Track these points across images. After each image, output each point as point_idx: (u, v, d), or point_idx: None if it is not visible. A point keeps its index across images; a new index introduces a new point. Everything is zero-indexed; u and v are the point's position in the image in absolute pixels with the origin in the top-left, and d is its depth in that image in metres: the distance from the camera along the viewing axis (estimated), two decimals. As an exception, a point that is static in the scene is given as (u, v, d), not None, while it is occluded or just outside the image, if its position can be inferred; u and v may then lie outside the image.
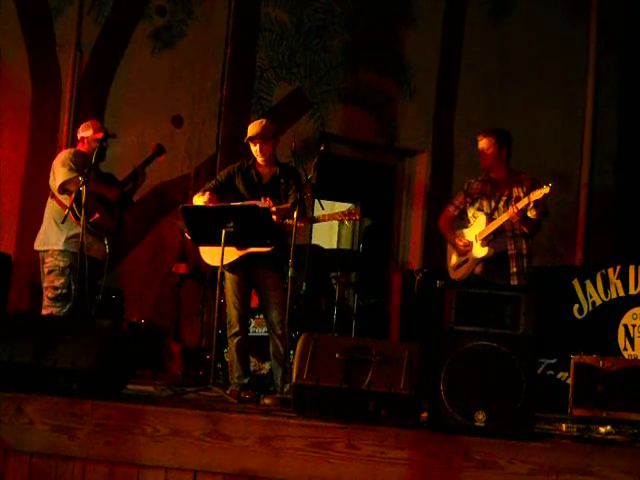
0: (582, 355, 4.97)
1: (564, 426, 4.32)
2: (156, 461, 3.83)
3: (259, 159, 5.53)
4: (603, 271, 6.29)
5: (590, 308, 6.32)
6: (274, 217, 5.25)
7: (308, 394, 4.01)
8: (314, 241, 8.21)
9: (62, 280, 5.58)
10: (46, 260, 5.66)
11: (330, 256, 7.46)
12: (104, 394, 4.14)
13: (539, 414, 4.14)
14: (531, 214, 5.47)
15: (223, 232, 5.10)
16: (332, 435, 3.67)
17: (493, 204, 5.65)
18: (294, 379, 4.04)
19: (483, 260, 5.62)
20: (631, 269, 6.14)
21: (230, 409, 4.19)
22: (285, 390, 5.02)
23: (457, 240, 5.73)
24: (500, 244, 5.58)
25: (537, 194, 5.31)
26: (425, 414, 3.95)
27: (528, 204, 5.39)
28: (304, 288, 6.82)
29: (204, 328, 7.24)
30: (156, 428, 3.83)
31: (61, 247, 5.60)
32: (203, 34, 8.14)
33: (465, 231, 5.76)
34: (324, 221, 5.56)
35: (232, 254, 5.31)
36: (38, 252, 5.74)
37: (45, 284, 5.67)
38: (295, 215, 5.15)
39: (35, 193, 6.86)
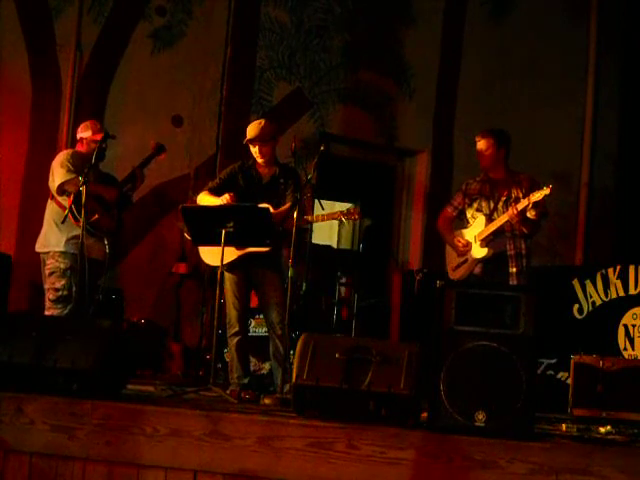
0: (582, 355, 4.97)
1: (564, 426, 4.32)
2: (156, 461, 3.84)
3: (259, 160, 5.53)
4: (603, 271, 6.29)
5: (590, 308, 6.32)
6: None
7: (308, 394, 4.02)
8: (314, 241, 8.23)
9: (63, 282, 5.58)
10: (47, 262, 5.66)
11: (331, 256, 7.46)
12: (104, 394, 4.14)
13: (539, 414, 4.14)
14: (530, 214, 5.47)
15: (223, 232, 5.11)
16: (332, 435, 3.67)
17: (492, 204, 5.65)
18: (294, 379, 4.04)
19: (482, 261, 5.62)
20: (631, 269, 6.14)
21: (230, 409, 4.19)
22: (285, 390, 5.02)
23: (456, 241, 5.73)
24: (499, 244, 5.58)
25: (537, 195, 5.31)
26: (425, 414, 3.95)
27: (527, 205, 5.38)
28: (304, 288, 6.83)
29: (204, 328, 7.24)
30: (156, 428, 3.84)
31: (61, 249, 5.60)
32: (203, 34, 8.14)
33: (464, 231, 5.76)
34: (323, 221, 5.55)
35: (231, 254, 5.31)
36: (39, 254, 5.73)
37: (46, 286, 5.67)
38: (295, 215, 5.16)
39: (35, 193, 6.86)
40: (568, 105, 9.18)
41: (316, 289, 7.11)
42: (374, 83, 8.75)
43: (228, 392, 5.11)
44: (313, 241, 7.88)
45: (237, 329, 5.43)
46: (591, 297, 6.32)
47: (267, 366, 5.98)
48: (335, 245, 8.98)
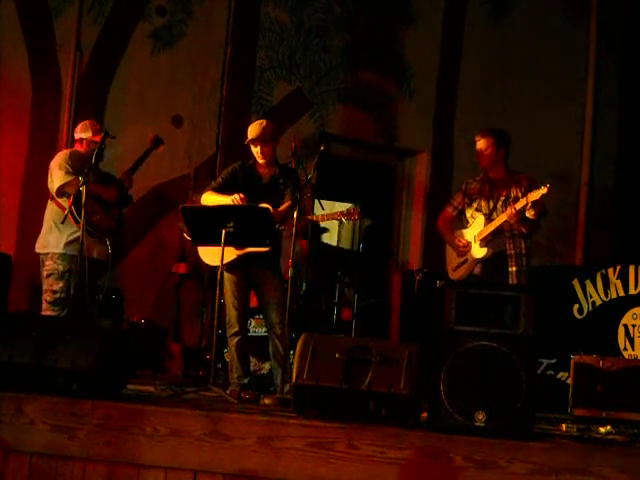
0: (582, 355, 4.97)
1: (564, 426, 4.32)
2: (156, 461, 3.84)
3: (260, 160, 5.53)
4: (603, 271, 6.29)
5: (590, 308, 6.32)
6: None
7: (308, 394, 4.02)
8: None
9: (61, 284, 5.56)
10: (46, 263, 5.64)
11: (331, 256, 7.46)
12: (104, 394, 4.14)
13: (539, 414, 4.14)
14: (529, 214, 5.47)
15: (223, 232, 5.11)
16: (332, 435, 3.67)
17: (491, 204, 5.65)
18: (294, 379, 4.04)
19: (482, 260, 5.62)
20: (631, 269, 6.14)
21: (230, 409, 4.19)
22: (285, 390, 5.02)
23: (456, 241, 5.73)
24: (499, 244, 5.58)
25: (535, 195, 5.31)
26: (425, 414, 3.95)
27: (526, 205, 5.39)
28: (304, 288, 6.83)
29: (204, 328, 7.24)
30: (156, 428, 3.84)
31: (61, 250, 5.58)
32: (203, 34, 8.14)
33: (464, 231, 5.76)
34: (323, 221, 5.56)
35: (230, 254, 5.31)
36: (39, 254, 5.72)
37: (44, 287, 5.66)
38: (295, 215, 5.16)
39: (35, 193, 6.85)
40: (568, 105, 9.18)
41: (316, 289, 7.11)
42: (374, 83, 8.75)
43: (228, 392, 5.11)
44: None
45: (237, 329, 5.43)
46: (591, 297, 6.32)
47: (267, 366, 5.99)
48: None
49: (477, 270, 5.64)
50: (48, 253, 5.64)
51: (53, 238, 5.63)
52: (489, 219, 5.60)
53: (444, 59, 9.00)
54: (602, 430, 4.31)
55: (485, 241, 5.59)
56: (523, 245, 5.59)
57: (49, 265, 5.62)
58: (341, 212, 5.38)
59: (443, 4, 8.99)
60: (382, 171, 9.10)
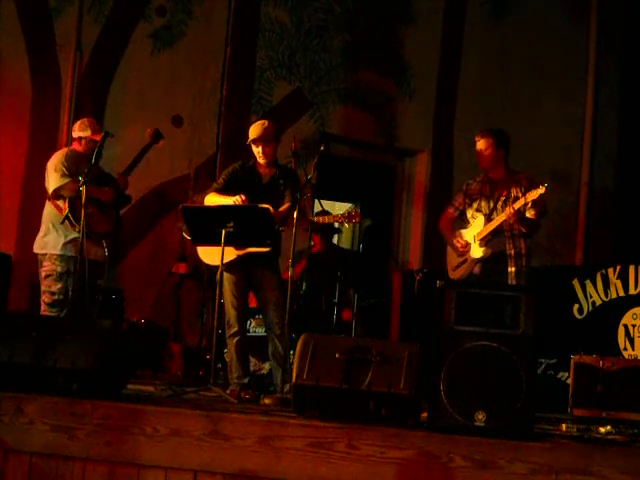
0: (582, 355, 4.97)
1: (564, 426, 4.32)
2: (156, 461, 3.84)
3: (261, 161, 5.53)
4: (603, 271, 6.28)
5: (590, 308, 6.31)
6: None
7: (308, 394, 4.02)
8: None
9: (59, 286, 5.54)
10: (44, 263, 5.62)
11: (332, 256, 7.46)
12: (104, 394, 4.14)
13: (539, 414, 4.14)
14: (529, 214, 5.47)
15: (223, 232, 5.10)
16: (332, 435, 3.67)
17: (491, 204, 5.65)
18: (294, 379, 4.04)
19: (481, 260, 5.61)
20: (631, 269, 6.14)
21: (230, 409, 4.19)
22: (285, 390, 5.02)
23: (455, 241, 5.73)
24: (498, 244, 5.58)
25: (533, 195, 5.31)
26: (425, 414, 3.95)
27: (525, 204, 5.39)
28: (304, 288, 6.83)
29: (204, 328, 7.23)
30: (156, 428, 3.83)
31: (59, 251, 5.56)
32: (203, 34, 8.14)
33: (463, 232, 5.76)
34: (324, 223, 5.56)
35: (230, 254, 5.31)
36: (37, 255, 5.71)
37: (42, 288, 5.63)
38: (295, 216, 5.16)
39: (35, 193, 6.85)
40: (568, 105, 9.19)
41: (316, 289, 7.11)
42: (374, 83, 8.75)
43: (228, 392, 5.11)
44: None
45: (236, 329, 5.43)
46: (591, 297, 6.32)
47: (267, 366, 5.98)
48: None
49: (477, 270, 5.64)
50: (46, 254, 5.62)
51: (51, 239, 5.61)
52: (489, 219, 5.60)
53: (444, 59, 9.00)
54: (602, 430, 4.30)
55: (484, 241, 5.59)
56: (523, 245, 5.58)
57: (47, 266, 5.60)
58: (342, 215, 5.41)
59: (443, 4, 8.99)
60: (382, 171, 9.10)
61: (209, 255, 5.41)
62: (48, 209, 5.70)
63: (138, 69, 7.93)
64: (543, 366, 6.22)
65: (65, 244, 5.56)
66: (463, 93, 9.01)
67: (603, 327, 6.14)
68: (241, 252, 5.35)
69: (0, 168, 7.44)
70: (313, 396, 4.01)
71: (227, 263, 5.30)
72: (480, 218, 5.65)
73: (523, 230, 5.54)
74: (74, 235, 5.47)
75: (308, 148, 8.02)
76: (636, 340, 5.99)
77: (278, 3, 8.41)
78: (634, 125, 9.09)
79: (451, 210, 5.87)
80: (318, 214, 6.42)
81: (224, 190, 5.51)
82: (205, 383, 5.42)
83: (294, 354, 4.19)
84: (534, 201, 5.34)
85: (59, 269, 5.55)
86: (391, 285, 7.71)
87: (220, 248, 5.13)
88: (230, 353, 5.49)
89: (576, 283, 6.40)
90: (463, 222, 5.83)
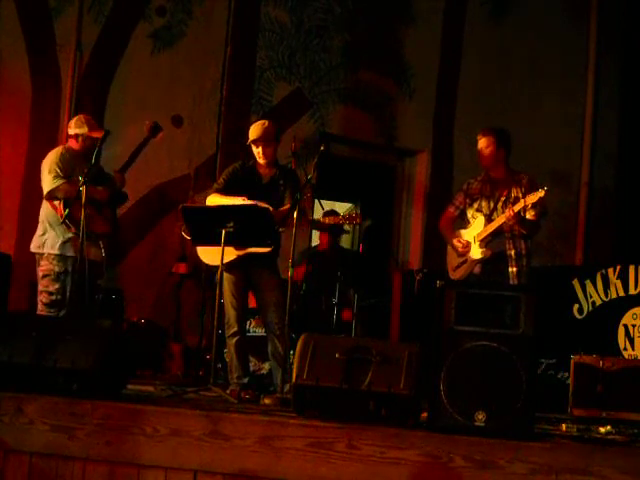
0: (582, 355, 4.97)
1: (564, 426, 4.32)
2: (156, 461, 3.83)
3: (261, 161, 5.53)
4: (603, 271, 6.29)
5: (590, 308, 6.32)
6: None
7: (308, 394, 4.01)
8: (316, 241, 8.23)
9: (57, 286, 5.50)
10: (41, 263, 5.57)
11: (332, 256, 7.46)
12: (104, 394, 4.14)
13: (539, 414, 4.14)
14: (529, 214, 5.47)
15: (223, 232, 5.10)
16: (332, 435, 3.67)
17: (492, 205, 5.65)
18: (294, 379, 4.04)
19: (481, 261, 5.61)
20: (631, 269, 6.14)
21: (230, 409, 4.19)
22: (285, 390, 5.02)
23: (455, 241, 5.72)
24: (499, 245, 5.58)
25: (532, 198, 5.31)
26: (425, 414, 3.95)
27: (524, 207, 5.39)
28: (304, 288, 6.84)
29: (204, 328, 7.23)
30: (156, 428, 3.83)
31: (57, 251, 5.51)
32: (203, 34, 8.14)
33: (464, 232, 5.76)
34: (325, 224, 5.56)
35: (230, 254, 5.31)
36: (34, 254, 5.68)
37: (40, 288, 5.58)
38: (295, 216, 5.16)
39: (35, 193, 6.81)
40: (568, 105, 9.19)
41: (317, 289, 7.11)
42: (374, 83, 8.75)
43: (228, 392, 5.11)
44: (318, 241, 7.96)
45: (236, 329, 5.43)
46: (591, 297, 6.32)
47: (267, 366, 5.99)
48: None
49: (477, 270, 5.64)
50: (43, 253, 5.56)
51: (49, 238, 5.55)
52: (489, 219, 5.60)
53: (444, 59, 9.00)
54: (602, 430, 4.30)
55: (485, 242, 5.59)
56: (523, 246, 5.58)
57: (44, 265, 5.55)
58: (343, 217, 5.42)
59: (443, 4, 9.00)
60: (382, 171, 9.11)
61: (209, 255, 5.41)
62: (45, 208, 5.64)
63: (138, 69, 7.93)
64: (543, 366, 6.23)
65: (63, 244, 5.51)
66: (463, 93, 9.01)
67: (603, 327, 6.14)
68: (241, 252, 5.35)
69: (0, 168, 7.44)
70: (313, 396, 4.01)
71: (227, 263, 5.30)
72: (480, 218, 5.64)
73: (523, 231, 5.53)
74: (71, 235, 5.45)
75: (308, 148, 8.02)
76: (636, 340, 5.99)
77: (278, 3, 8.41)
78: (634, 125, 9.09)
79: (451, 209, 5.87)
80: (328, 214, 6.45)
81: (225, 190, 5.51)
82: (205, 383, 5.41)
83: (294, 354, 4.19)
84: (534, 202, 5.34)
85: (57, 269, 5.52)
86: (391, 285, 7.71)
87: (220, 248, 5.13)
88: (230, 353, 5.49)
89: (576, 283, 6.40)
90: (463, 222, 5.83)
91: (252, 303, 5.84)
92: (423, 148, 8.99)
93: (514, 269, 5.53)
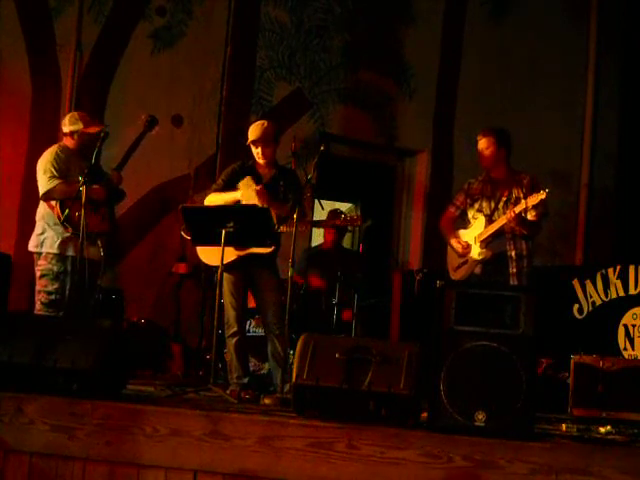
0: (582, 355, 4.97)
1: (564, 426, 4.32)
2: (156, 461, 3.84)
3: (260, 161, 5.53)
4: (603, 271, 6.29)
5: (590, 308, 6.32)
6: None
7: (308, 394, 4.02)
8: (315, 241, 8.23)
9: (56, 285, 5.47)
10: (39, 262, 5.54)
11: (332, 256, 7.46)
12: (104, 394, 4.14)
13: (539, 414, 4.14)
14: (530, 215, 5.47)
15: (223, 232, 5.10)
16: (332, 435, 3.67)
17: (493, 205, 5.65)
18: (294, 379, 4.04)
19: (482, 262, 5.61)
20: (631, 269, 6.14)
21: (230, 409, 4.19)
22: (285, 390, 5.02)
23: (456, 241, 5.72)
24: (499, 245, 5.57)
25: (534, 199, 5.30)
26: (425, 414, 3.95)
27: (525, 208, 5.38)
28: (304, 288, 6.83)
29: (204, 328, 7.23)
30: (156, 428, 3.84)
31: (55, 250, 5.49)
32: (203, 34, 8.14)
33: (465, 232, 5.75)
34: (326, 226, 5.57)
35: (230, 254, 5.31)
36: (32, 253, 5.64)
37: (38, 287, 5.54)
38: (295, 217, 5.16)
39: (35, 193, 6.78)
40: (568, 105, 9.19)
41: (316, 289, 7.11)
42: (374, 83, 8.75)
43: (228, 392, 5.10)
44: (319, 240, 7.96)
45: (235, 329, 5.43)
46: (591, 297, 6.32)
47: (267, 366, 5.98)
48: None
49: (477, 270, 5.64)
50: (42, 253, 5.53)
51: (47, 238, 5.52)
52: (490, 220, 5.59)
53: (444, 59, 9.00)
54: (602, 430, 4.30)
55: (485, 243, 5.59)
56: (524, 246, 5.58)
57: (42, 265, 5.52)
58: (343, 218, 5.44)
59: (443, 4, 9.00)
60: (382, 171, 9.10)
61: (209, 256, 5.41)
62: (42, 208, 5.60)
63: (138, 69, 7.92)
64: (543, 366, 6.22)
65: (61, 243, 5.49)
66: (463, 93, 9.01)
67: (603, 327, 6.15)
68: (242, 252, 5.35)
69: (0, 168, 7.43)
70: (313, 396, 4.01)
71: (227, 263, 5.30)
72: (481, 219, 5.64)
73: (524, 232, 5.53)
74: (69, 234, 5.43)
75: (308, 148, 8.02)
76: (636, 340, 6.00)
77: (278, 3, 8.41)
78: (634, 125, 9.09)
79: (452, 209, 5.87)
80: (333, 213, 6.44)
81: (223, 191, 5.51)
82: (205, 383, 5.41)
83: (294, 354, 4.19)
84: (535, 204, 5.34)
85: (55, 268, 5.49)
86: (391, 285, 7.71)
87: (220, 248, 5.13)
88: (229, 353, 5.49)
89: (576, 283, 6.41)
90: (464, 222, 5.83)
91: (252, 303, 5.84)
92: (423, 148, 8.99)
93: (514, 270, 5.52)
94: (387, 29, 8.79)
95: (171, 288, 7.74)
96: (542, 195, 5.27)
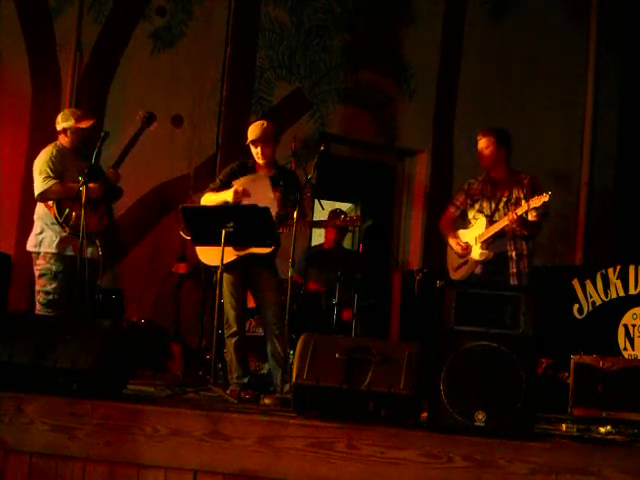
0: (582, 355, 4.97)
1: (564, 426, 4.32)
2: (156, 461, 3.84)
3: (260, 161, 5.53)
4: (603, 271, 6.29)
5: (590, 308, 6.32)
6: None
7: (308, 394, 4.02)
8: (315, 241, 8.23)
9: (54, 285, 5.46)
10: (38, 262, 5.53)
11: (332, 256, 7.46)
12: (104, 394, 4.14)
13: (539, 414, 4.15)
14: (531, 216, 5.47)
15: (223, 232, 5.10)
16: (332, 435, 3.67)
17: (493, 205, 5.65)
18: (294, 379, 4.04)
19: (482, 262, 5.61)
20: (631, 269, 6.14)
21: (230, 409, 4.19)
22: (285, 390, 5.02)
23: (457, 242, 5.72)
24: (500, 246, 5.58)
25: (536, 201, 5.30)
26: (425, 414, 3.95)
27: (527, 210, 5.38)
28: (304, 288, 6.83)
29: (204, 328, 7.23)
30: (156, 428, 3.84)
31: (54, 250, 5.48)
32: (203, 34, 8.14)
33: (465, 232, 5.75)
34: (326, 226, 5.57)
35: (230, 254, 5.31)
36: (31, 253, 5.62)
37: (37, 287, 5.53)
38: (295, 216, 5.16)
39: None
40: (568, 105, 9.19)
41: (316, 289, 7.10)
42: (374, 83, 8.75)
43: (228, 392, 5.10)
44: (319, 240, 7.96)
45: (235, 329, 5.43)
46: (591, 297, 6.32)
47: (267, 366, 5.98)
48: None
49: (478, 271, 5.64)
50: (40, 252, 5.52)
51: (46, 237, 5.51)
52: (491, 220, 5.59)
53: (444, 59, 9.00)
54: (602, 430, 4.30)
55: (486, 243, 5.59)
56: (525, 247, 5.58)
57: (41, 265, 5.50)
58: (343, 219, 5.44)
59: (443, 4, 8.99)
60: (382, 171, 9.10)
61: (208, 256, 5.41)
62: (41, 208, 5.59)
63: (138, 69, 7.92)
64: (543, 366, 6.22)
65: (60, 242, 5.47)
66: (463, 93, 9.01)
67: (603, 327, 6.15)
68: (241, 253, 5.35)
69: (0, 168, 7.43)
70: (313, 396, 4.01)
71: (226, 264, 5.29)
72: (482, 219, 5.64)
73: (525, 233, 5.53)
74: (66, 234, 5.42)
75: (308, 148, 8.02)
76: (636, 340, 6.00)
77: (278, 3, 8.41)
78: (634, 125, 9.09)
79: (452, 209, 5.87)
80: (333, 213, 6.43)
81: (220, 190, 5.51)
82: (205, 383, 5.41)
83: (294, 354, 4.19)
84: (537, 207, 5.34)
85: (54, 268, 5.48)
86: (391, 285, 7.71)
87: (219, 248, 5.13)
88: (229, 353, 5.49)
89: (576, 283, 6.41)
90: (464, 222, 5.83)
91: (252, 303, 5.84)
92: (423, 148, 8.99)
93: (515, 270, 5.52)
94: (387, 29, 8.79)
95: (171, 288, 7.74)
96: (545, 197, 5.26)
